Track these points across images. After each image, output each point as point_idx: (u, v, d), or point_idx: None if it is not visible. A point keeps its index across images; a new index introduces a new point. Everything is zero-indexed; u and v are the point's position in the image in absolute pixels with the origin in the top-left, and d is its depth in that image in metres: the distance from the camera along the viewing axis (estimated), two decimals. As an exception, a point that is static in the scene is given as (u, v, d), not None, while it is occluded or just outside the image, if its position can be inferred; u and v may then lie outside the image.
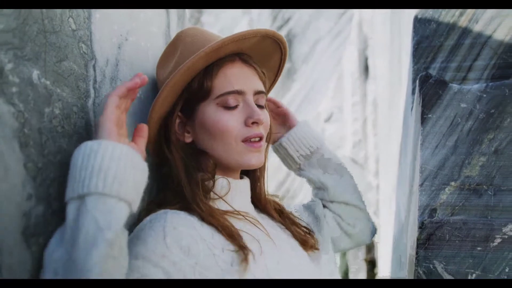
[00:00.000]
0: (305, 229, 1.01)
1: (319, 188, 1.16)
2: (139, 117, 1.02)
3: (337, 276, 1.01)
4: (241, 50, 0.94)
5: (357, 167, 4.49)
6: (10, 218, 0.66)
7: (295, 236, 0.96)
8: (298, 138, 1.14)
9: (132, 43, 1.06)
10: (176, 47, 0.98)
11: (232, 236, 0.82)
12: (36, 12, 0.76)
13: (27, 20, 0.74)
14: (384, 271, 2.42)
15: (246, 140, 0.90)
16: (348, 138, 4.68)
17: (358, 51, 4.57)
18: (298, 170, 1.17)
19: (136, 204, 0.73)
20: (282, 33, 5.05)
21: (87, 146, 0.71)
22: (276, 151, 1.18)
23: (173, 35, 1.32)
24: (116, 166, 0.70)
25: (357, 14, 4.62)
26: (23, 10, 0.73)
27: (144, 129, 0.84)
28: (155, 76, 1.09)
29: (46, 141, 0.75)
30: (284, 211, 1.02)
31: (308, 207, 1.14)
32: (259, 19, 5.13)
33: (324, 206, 1.16)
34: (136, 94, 0.85)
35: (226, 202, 0.91)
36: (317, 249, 0.97)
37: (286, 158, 1.17)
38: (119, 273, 0.67)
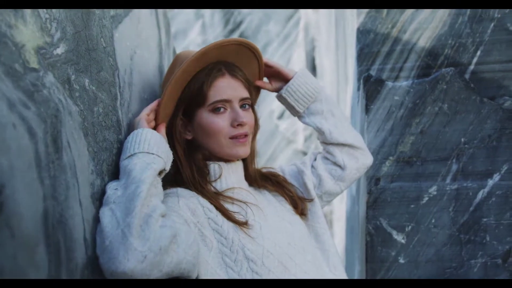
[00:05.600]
0: (295, 196, 1.22)
1: (319, 133, 1.29)
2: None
3: (325, 238, 1.19)
4: (224, 58, 1.18)
5: (309, 159, 4.86)
6: (84, 187, 0.90)
7: (288, 202, 1.20)
8: (296, 89, 1.26)
9: (139, 55, 1.31)
10: (175, 65, 1.22)
11: (221, 211, 1.10)
12: (82, 35, 1.00)
13: (79, 42, 0.98)
14: (339, 244, 2.78)
15: (233, 138, 1.14)
16: (300, 132, 5.05)
17: (306, 52, 4.95)
18: (300, 117, 1.30)
19: (168, 165, 1.04)
20: (235, 36, 5.34)
21: (134, 132, 1.04)
22: (280, 101, 1.32)
23: (163, 47, 1.57)
24: (154, 139, 1.02)
25: (303, 18, 5.00)
26: (76, 35, 0.97)
27: (162, 127, 1.13)
28: (155, 81, 1.35)
29: (97, 132, 1.00)
30: (280, 181, 1.24)
31: (300, 172, 1.27)
32: (211, 23, 5.39)
33: (315, 159, 1.30)
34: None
35: (211, 184, 1.15)
36: (304, 214, 1.20)
37: (289, 108, 1.31)
38: (158, 198, 0.94)
